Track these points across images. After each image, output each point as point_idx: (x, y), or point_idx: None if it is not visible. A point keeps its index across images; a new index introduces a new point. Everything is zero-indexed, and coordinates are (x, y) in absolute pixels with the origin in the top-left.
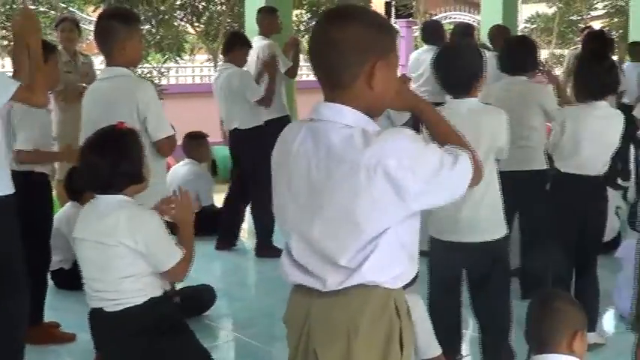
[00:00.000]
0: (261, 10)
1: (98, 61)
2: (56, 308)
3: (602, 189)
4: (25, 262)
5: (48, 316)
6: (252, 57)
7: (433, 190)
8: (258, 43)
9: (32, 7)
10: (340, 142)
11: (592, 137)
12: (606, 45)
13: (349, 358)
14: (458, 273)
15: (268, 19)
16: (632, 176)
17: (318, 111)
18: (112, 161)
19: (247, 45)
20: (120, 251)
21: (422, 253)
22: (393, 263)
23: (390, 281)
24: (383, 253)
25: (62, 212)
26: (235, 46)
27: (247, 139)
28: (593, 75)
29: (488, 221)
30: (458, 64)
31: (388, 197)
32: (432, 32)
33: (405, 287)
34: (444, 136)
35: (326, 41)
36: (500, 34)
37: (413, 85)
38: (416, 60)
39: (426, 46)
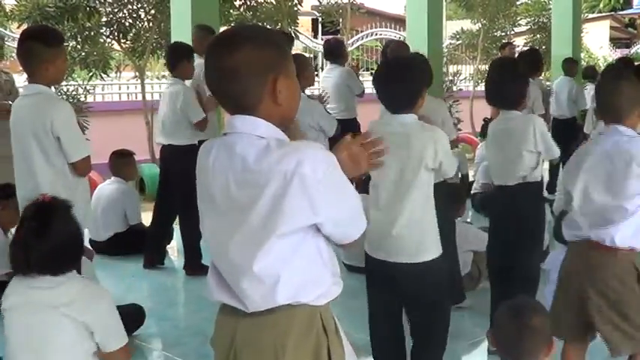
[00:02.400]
0: (198, 28)
1: (22, 79)
2: None
3: (517, 198)
4: None
5: None
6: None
7: (339, 209)
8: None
9: None
10: (255, 152)
11: (496, 149)
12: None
13: None
14: (391, 293)
15: (206, 38)
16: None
17: (232, 124)
18: (53, 244)
19: (192, 56)
20: (66, 325)
21: (357, 269)
22: (318, 282)
23: (314, 299)
24: (307, 272)
25: None
26: (181, 61)
27: (179, 156)
28: (500, 84)
29: (417, 242)
30: (403, 79)
31: (301, 204)
32: (333, 51)
33: None
34: None
35: (222, 71)
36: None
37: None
38: (324, 79)
39: (329, 65)
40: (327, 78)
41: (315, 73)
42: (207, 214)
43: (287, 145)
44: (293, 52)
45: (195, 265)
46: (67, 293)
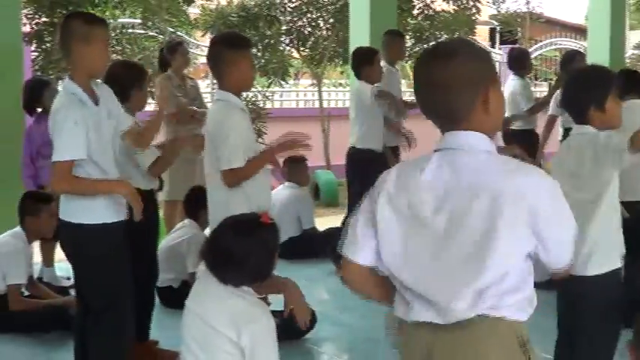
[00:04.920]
0: (390, 34)
1: (203, 85)
2: (161, 326)
3: None
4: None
5: (152, 333)
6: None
7: (553, 241)
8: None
9: (141, 30)
10: (480, 169)
11: None
12: None
13: None
14: (572, 308)
15: (398, 43)
16: None
17: (449, 140)
18: (247, 258)
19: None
20: (221, 341)
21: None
22: (518, 290)
23: (513, 314)
24: (512, 281)
25: (181, 231)
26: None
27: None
28: None
29: (591, 253)
30: (575, 89)
31: (523, 229)
32: (516, 61)
33: None
34: None
35: (436, 84)
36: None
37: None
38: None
39: (511, 75)
40: (506, 88)
41: None
42: (404, 228)
43: (514, 163)
44: None
45: None
46: (224, 310)
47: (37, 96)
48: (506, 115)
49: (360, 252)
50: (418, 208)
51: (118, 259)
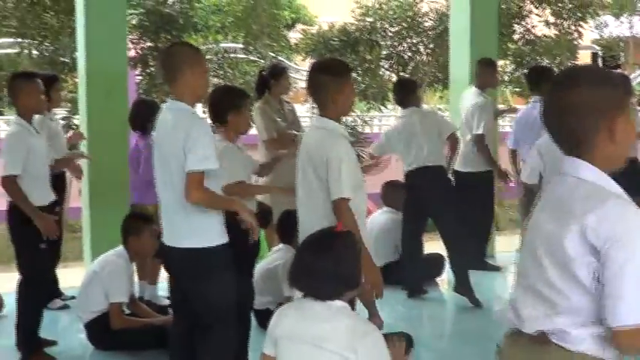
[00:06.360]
0: (481, 62)
1: (302, 109)
2: (257, 348)
3: None
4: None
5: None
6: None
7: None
8: (475, 98)
9: (243, 55)
10: (566, 193)
11: None
12: None
13: None
14: None
15: (490, 72)
16: None
17: (564, 165)
18: (333, 268)
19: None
20: None
21: None
22: (596, 322)
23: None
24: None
25: (277, 254)
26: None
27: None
28: None
29: None
30: None
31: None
32: None
33: None
34: None
35: (558, 107)
36: None
37: None
38: None
39: None
40: None
41: None
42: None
43: (600, 196)
44: None
45: (464, 287)
46: (335, 329)
47: (150, 116)
48: None
49: None
50: (538, 227)
51: (231, 276)
